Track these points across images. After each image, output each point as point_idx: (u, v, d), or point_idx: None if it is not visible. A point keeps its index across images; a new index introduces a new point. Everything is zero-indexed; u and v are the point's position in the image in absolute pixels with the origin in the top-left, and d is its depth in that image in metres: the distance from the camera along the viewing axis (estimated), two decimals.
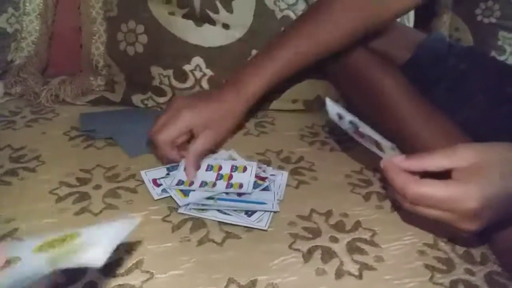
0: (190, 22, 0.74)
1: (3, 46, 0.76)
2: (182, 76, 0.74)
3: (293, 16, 0.78)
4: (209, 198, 0.51)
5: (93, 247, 0.28)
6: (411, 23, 0.97)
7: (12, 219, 0.48)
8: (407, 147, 0.63)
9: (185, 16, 0.74)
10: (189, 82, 0.75)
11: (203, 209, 0.50)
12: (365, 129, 0.43)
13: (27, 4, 0.78)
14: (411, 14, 0.97)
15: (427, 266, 0.45)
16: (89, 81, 0.78)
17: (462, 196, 0.38)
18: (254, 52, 0.77)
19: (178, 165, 0.57)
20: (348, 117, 0.43)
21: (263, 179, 0.55)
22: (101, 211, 0.50)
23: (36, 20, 0.80)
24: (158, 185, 0.54)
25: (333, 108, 0.44)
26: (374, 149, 0.45)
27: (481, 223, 0.40)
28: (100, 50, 0.79)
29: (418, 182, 0.40)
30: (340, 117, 0.44)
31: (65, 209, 0.50)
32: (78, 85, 0.77)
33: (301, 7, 0.78)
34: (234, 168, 0.56)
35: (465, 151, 0.40)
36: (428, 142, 0.59)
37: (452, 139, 0.57)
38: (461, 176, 0.39)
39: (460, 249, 0.48)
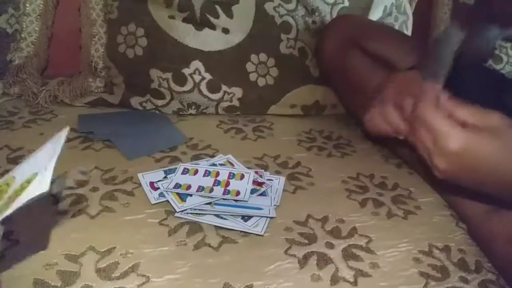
0: (190, 26, 0.75)
1: (2, 46, 0.76)
2: (181, 79, 0.75)
3: (292, 22, 0.79)
4: (206, 203, 0.51)
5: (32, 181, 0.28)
6: (409, 32, 0.98)
7: (8, 219, 0.47)
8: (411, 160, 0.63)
9: (185, 20, 0.74)
10: (188, 86, 0.75)
11: (200, 214, 0.50)
12: None
13: (28, 5, 0.78)
14: (409, 23, 0.98)
15: (422, 274, 0.46)
16: (88, 83, 0.79)
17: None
18: (253, 56, 0.77)
19: (176, 168, 0.57)
20: None
21: (260, 184, 0.56)
22: (98, 214, 0.50)
23: (36, 21, 0.80)
24: (156, 189, 0.54)
25: None
26: None
27: (449, 168, 0.40)
28: (100, 52, 0.79)
29: None
30: None
31: (62, 212, 0.50)
32: (76, 86, 0.77)
33: (300, 13, 0.79)
34: (231, 175, 0.56)
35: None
36: None
37: None
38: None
39: (455, 257, 0.49)
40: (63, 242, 0.45)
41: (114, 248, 0.45)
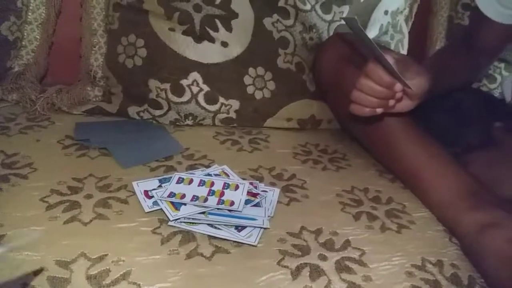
0: (190, 38, 0.76)
1: (2, 53, 0.76)
2: (179, 90, 0.75)
3: (290, 37, 0.80)
4: (200, 212, 0.51)
5: None
6: (405, 51, 1.00)
7: (0, 225, 0.47)
8: (408, 183, 0.64)
9: (184, 33, 0.76)
10: (186, 97, 0.76)
11: (193, 223, 0.50)
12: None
13: (30, 14, 0.80)
14: (405, 42, 1.00)
15: (414, 287, 0.46)
16: (86, 91, 0.79)
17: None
18: (250, 70, 0.78)
19: (171, 177, 0.57)
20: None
21: (255, 195, 0.56)
22: (91, 221, 0.50)
23: (38, 29, 0.81)
24: (150, 197, 0.54)
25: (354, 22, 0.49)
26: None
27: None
28: (99, 62, 0.80)
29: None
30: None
31: (55, 217, 0.50)
32: (75, 94, 0.78)
33: (298, 29, 0.80)
34: (226, 185, 0.56)
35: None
36: (429, 182, 0.60)
37: (452, 180, 0.59)
38: None
39: (448, 272, 0.49)
40: (54, 248, 0.45)
41: (106, 255, 0.45)
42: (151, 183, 0.57)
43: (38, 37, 0.81)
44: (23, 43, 0.80)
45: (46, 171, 0.59)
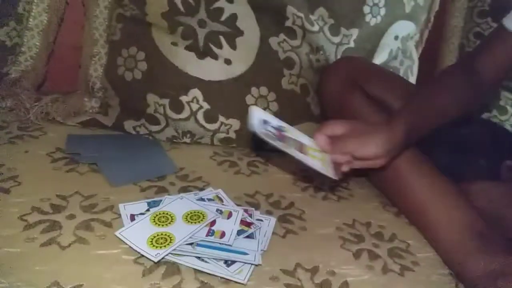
0: (192, 54, 0.73)
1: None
2: (178, 106, 0.73)
3: (296, 58, 0.77)
4: (187, 243, 0.47)
5: None
6: (414, 77, 0.97)
7: None
8: (413, 219, 0.61)
9: (187, 48, 0.73)
10: (185, 113, 0.73)
11: (179, 254, 0.46)
12: (292, 132, 0.50)
13: (31, 20, 0.78)
14: (415, 68, 0.97)
15: None
16: (83, 102, 0.76)
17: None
18: (253, 89, 0.75)
19: (161, 200, 0.54)
20: (276, 122, 0.50)
21: (249, 225, 0.52)
22: (69, 245, 0.46)
23: (38, 35, 0.79)
24: None
25: (259, 114, 0.48)
26: (298, 154, 0.49)
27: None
28: (98, 72, 0.77)
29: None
30: (265, 122, 0.48)
31: (32, 239, 0.46)
32: (71, 104, 0.75)
33: (305, 50, 0.78)
34: (219, 211, 0.52)
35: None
36: (436, 218, 0.57)
37: (460, 218, 0.55)
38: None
39: None
40: (26, 274, 0.41)
41: (81, 285, 0.41)
42: (139, 206, 0.53)
43: (38, 44, 0.79)
44: (22, 49, 0.78)
45: (30, 186, 0.55)
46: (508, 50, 0.61)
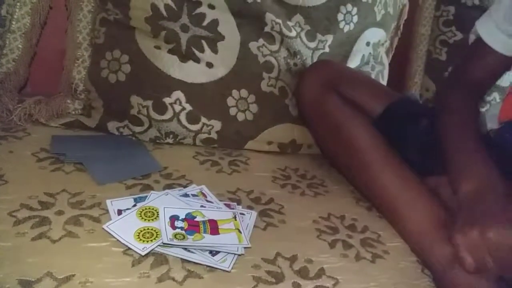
0: (175, 57, 0.76)
1: None
2: (161, 108, 0.75)
3: (274, 62, 0.81)
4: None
5: None
6: (385, 81, 1.03)
7: None
8: (383, 212, 0.65)
9: (170, 51, 0.76)
10: (168, 115, 0.75)
11: (166, 245, 0.49)
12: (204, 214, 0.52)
13: (14, 23, 0.78)
14: (385, 73, 1.03)
15: None
16: (66, 104, 0.78)
17: None
18: (234, 92, 0.79)
19: (146, 196, 0.56)
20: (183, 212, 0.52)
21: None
22: (60, 239, 0.48)
23: (20, 38, 0.80)
24: None
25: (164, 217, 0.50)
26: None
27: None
28: (82, 75, 0.79)
29: None
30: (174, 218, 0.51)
31: (22, 234, 0.48)
32: (54, 106, 0.76)
33: (283, 54, 0.82)
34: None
35: None
36: (404, 211, 0.61)
37: (426, 211, 0.59)
38: None
39: None
40: (18, 266, 0.43)
41: (73, 275, 0.43)
42: (126, 202, 0.55)
43: (20, 46, 0.80)
44: (4, 51, 0.78)
45: (17, 184, 0.57)
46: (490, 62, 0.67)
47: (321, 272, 0.51)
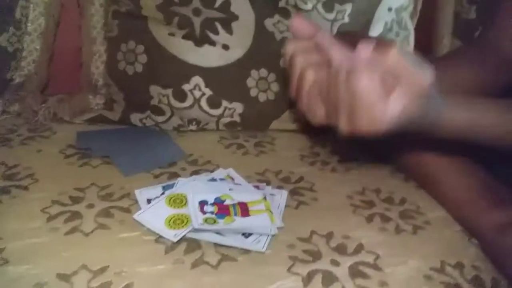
0: (190, 42, 0.74)
1: (2, 65, 0.76)
2: (181, 95, 0.74)
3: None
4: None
5: None
6: (411, 47, 0.97)
7: (0, 238, 0.46)
8: (422, 182, 0.61)
9: (184, 37, 0.74)
10: (188, 101, 0.74)
11: (198, 231, 0.48)
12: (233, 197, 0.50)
13: (29, 24, 0.79)
14: (411, 38, 0.97)
15: None
16: (88, 100, 0.78)
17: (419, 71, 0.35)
18: (253, 72, 0.76)
19: (174, 183, 0.55)
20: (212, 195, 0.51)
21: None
22: (92, 231, 0.48)
23: (38, 39, 0.80)
24: None
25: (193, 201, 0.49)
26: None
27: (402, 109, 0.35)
28: (100, 70, 0.79)
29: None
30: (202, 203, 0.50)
31: (56, 228, 0.48)
32: (76, 103, 0.77)
33: None
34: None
35: None
36: (445, 180, 0.57)
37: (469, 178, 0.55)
38: None
39: (469, 274, 0.46)
40: (54, 261, 0.43)
41: (108, 266, 0.43)
42: (154, 191, 0.55)
43: (38, 47, 0.80)
44: (23, 54, 0.79)
45: (48, 182, 0.57)
46: None
47: (359, 248, 0.49)
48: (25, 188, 0.56)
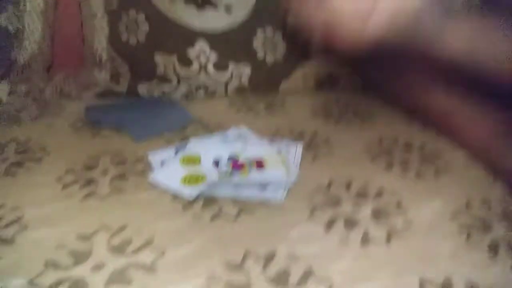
0: (192, 6, 0.72)
1: (5, 45, 0.75)
2: (186, 61, 0.72)
3: None
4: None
5: None
6: None
7: (17, 207, 0.46)
8: (440, 128, 0.58)
9: (186, 1, 0.72)
10: (194, 67, 0.73)
11: (214, 186, 0.47)
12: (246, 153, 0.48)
13: (28, 3, 0.77)
14: None
15: (462, 226, 0.42)
16: (94, 75, 0.77)
17: None
18: (259, 31, 0.74)
19: (186, 144, 0.54)
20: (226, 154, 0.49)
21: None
22: (108, 195, 0.48)
23: (38, 18, 0.79)
24: None
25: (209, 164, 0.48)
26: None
27: None
28: (103, 44, 0.77)
29: None
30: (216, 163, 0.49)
31: (72, 195, 0.48)
32: (82, 79, 0.76)
33: None
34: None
35: None
36: (464, 122, 0.54)
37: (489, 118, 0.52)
38: None
39: (497, 209, 0.44)
40: (73, 224, 0.43)
41: (126, 225, 0.42)
42: (167, 152, 0.54)
43: (39, 26, 0.79)
44: (25, 34, 0.78)
45: (60, 154, 0.57)
46: None
47: (381, 193, 0.47)
48: (38, 160, 0.55)
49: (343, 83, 0.80)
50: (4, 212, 0.45)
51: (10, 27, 0.75)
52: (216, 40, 0.73)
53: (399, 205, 0.45)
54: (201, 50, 0.72)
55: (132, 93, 0.75)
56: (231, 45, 0.74)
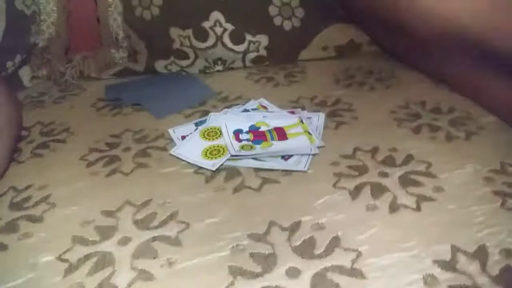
0: None
1: (23, 29, 0.75)
2: (202, 34, 0.71)
3: None
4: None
5: None
6: None
7: (44, 186, 0.47)
8: (468, 92, 0.56)
9: None
10: (211, 40, 0.71)
11: (236, 159, 0.46)
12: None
13: None
14: None
15: (496, 193, 0.39)
16: (111, 54, 0.77)
17: None
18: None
19: (206, 119, 0.54)
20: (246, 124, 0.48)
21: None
22: (132, 171, 0.48)
23: (52, 0, 0.79)
24: None
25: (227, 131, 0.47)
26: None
27: None
28: (118, 21, 0.76)
29: None
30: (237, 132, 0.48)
31: (96, 172, 0.48)
32: (100, 59, 0.76)
33: None
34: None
35: None
36: (492, 85, 0.51)
37: None
38: None
39: None
40: (99, 200, 0.44)
41: (151, 200, 0.43)
42: (187, 128, 0.54)
43: (55, 8, 0.79)
44: (42, 17, 0.78)
45: (83, 133, 0.58)
46: None
47: (409, 158, 0.45)
48: (63, 141, 0.56)
49: (365, 50, 0.76)
50: (32, 192, 0.46)
51: (27, 11, 0.75)
52: (230, 9, 0.71)
53: (428, 170, 0.43)
54: (216, 22, 0.70)
55: (150, 70, 0.74)
56: (247, 14, 0.71)
